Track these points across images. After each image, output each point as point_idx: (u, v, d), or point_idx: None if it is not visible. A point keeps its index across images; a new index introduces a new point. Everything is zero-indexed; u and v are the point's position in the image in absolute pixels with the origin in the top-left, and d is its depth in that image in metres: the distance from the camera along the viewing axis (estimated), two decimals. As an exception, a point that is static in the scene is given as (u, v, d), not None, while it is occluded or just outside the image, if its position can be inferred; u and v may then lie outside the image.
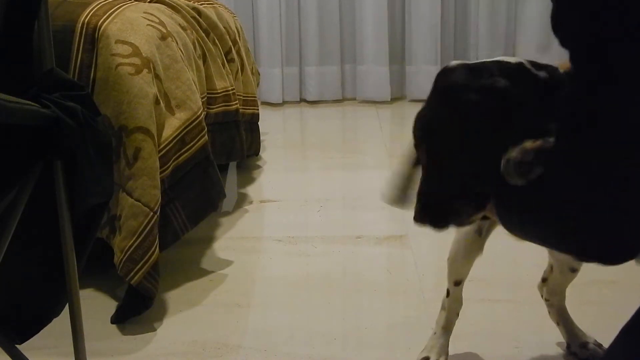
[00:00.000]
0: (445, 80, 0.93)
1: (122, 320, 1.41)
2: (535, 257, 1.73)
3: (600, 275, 1.59)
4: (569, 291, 1.53)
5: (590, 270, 1.63)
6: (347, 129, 3.39)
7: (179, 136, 1.49)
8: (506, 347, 1.27)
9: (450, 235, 1.16)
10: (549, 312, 1.28)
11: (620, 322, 1.38)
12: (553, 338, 1.31)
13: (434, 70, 3.81)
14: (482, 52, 3.81)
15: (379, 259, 1.72)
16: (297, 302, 1.45)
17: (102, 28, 1.42)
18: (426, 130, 0.95)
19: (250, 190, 2.35)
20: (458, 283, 1.19)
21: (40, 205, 0.94)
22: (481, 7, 3.79)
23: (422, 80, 3.84)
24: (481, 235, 1.14)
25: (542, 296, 1.29)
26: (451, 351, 1.27)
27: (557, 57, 3.30)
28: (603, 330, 1.33)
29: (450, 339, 1.31)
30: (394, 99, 3.94)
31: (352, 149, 2.93)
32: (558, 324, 1.27)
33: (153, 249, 1.38)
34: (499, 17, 3.80)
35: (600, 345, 1.25)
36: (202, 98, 1.74)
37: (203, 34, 1.88)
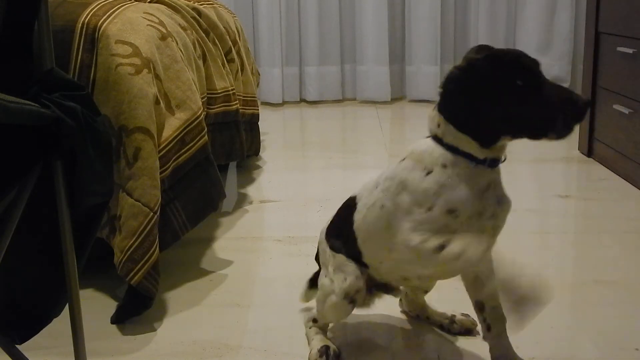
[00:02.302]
0: None
1: (122, 320, 1.41)
2: (535, 257, 1.73)
3: (600, 275, 1.59)
4: (569, 291, 1.53)
5: (590, 270, 1.63)
6: (347, 129, 3.39)
7: (179, 136, 1.49)
8: (506, 347, 1.27)
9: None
10: (408, 312, 1.40)
11: (621, 322, 1.39)
12: (552, 337, 1.31)
13: (434, 70, 3.82)
14: (482, 52, 3.82)
15: (379, 259, 1.71)
16: (297, 302, 1.45)
17: (102, 28, 1.42)
18: None
19: (250, 190, 2.35)
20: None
21: (40, 205, 0.94)
22: (481, 7, 3.79)
23: (422, 80, 3.84)
24: (354, 306, 1.23)
25: (401, 310, 1.42)
26: (452, 351, 1.27)
27: (557, 57, 3.34)
28: (603, 330, 1.33)
29: (451, 339, 1.31)
30: (394, 99, 3.94)
31: (352, 149, 2.93)
32: (419, 317, 1.39)
33: (153, 249, 1.38)
34: (499, 17, 3.80)
35: (467, 315, 1.34)
36: (202, 98, 1.74)
37: (203, 34, 1.88)
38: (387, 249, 1.11)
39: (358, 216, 1.17)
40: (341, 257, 1.22)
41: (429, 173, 1.04)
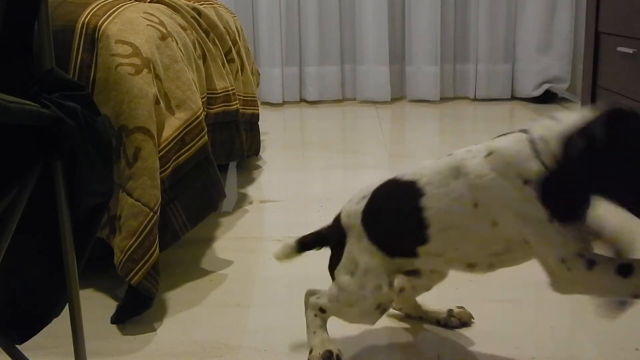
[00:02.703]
0: None
1: (122, 320, 1.41)
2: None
3: (600, 275, 1.59)
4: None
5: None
6: (347, 129, 3.39)
7: (179, 136, 1.49)
8: (506, 347, 1.27)
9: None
10: (400, 311, 1.39)
11: (621, 322, 1.38)
12: (552, 337, 1.31)
13: (434, 70, 3.82)
14: (482, 52, 3.82)
15: (379, 259, 1.71)
16: (297, 302, 1.45)
17: (102, 28, 1.42)
18: None
19: (250, 190, 2.35)
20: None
21: (40, 205, 0.94)
22: (481, 7, 3.79)
23: (422, 80, 3.84)
24: (382, 313, 1.19)
25: (393, 308, 1.39)
26: (451, 351, 1.27)
27: (557, 57, 3.33)
28: (603, 330, 1.33)
29: (451, 338, 1.31)
30: (394, 99, 3.94)
31: (352, 149, 2.93)
32: (410, 316, 1.38)
33: (153, 249, 1.38)
34: (499, 17, 3.80)
35: (463, 308, 1.36)
36: (202, 98, 1.74)
37: (203, 34, 1.88)
38: (483, 244, 1.07)
39: (434, 204, 1.07)
40: (382, 260, 1.14)
41: (526, 182, 0.98)
